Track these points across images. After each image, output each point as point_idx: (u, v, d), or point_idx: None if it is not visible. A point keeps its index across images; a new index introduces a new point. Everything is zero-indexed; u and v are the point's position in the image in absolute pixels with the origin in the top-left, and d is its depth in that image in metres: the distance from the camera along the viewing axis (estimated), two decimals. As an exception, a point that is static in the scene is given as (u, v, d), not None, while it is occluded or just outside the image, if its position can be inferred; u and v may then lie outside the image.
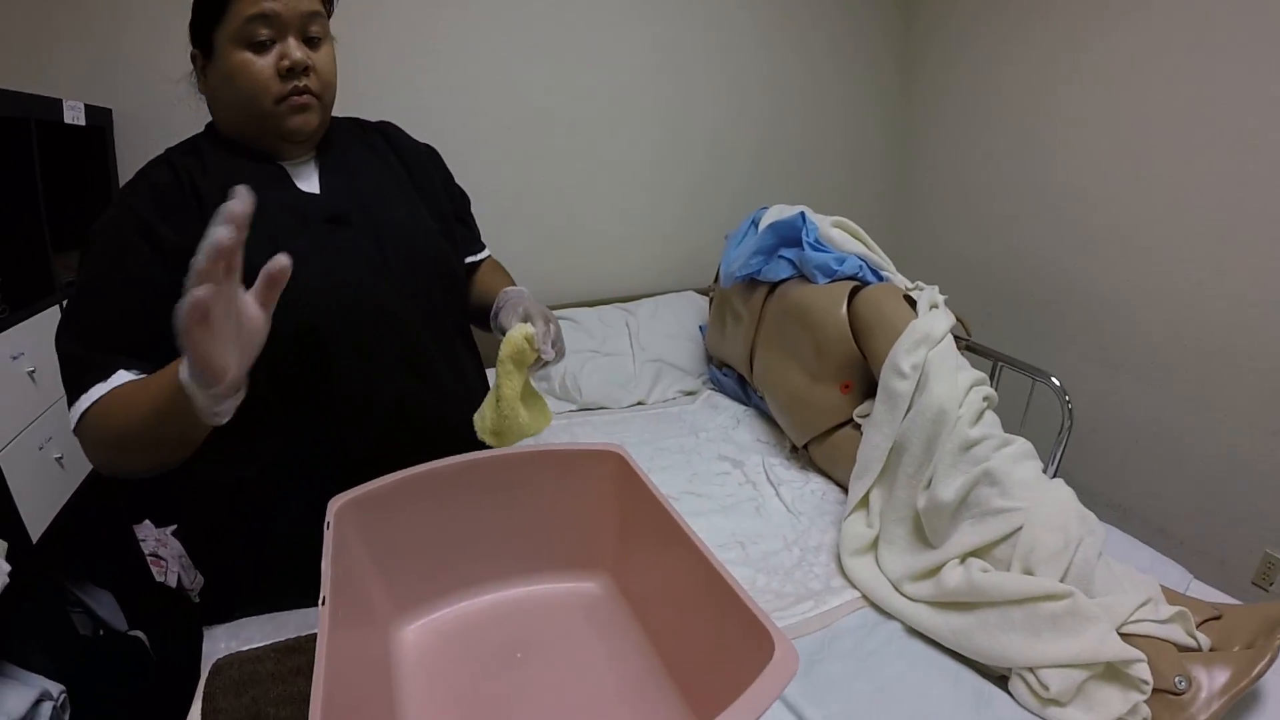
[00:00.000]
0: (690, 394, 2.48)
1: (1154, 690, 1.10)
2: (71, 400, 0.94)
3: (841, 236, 1.92)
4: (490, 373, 1.05)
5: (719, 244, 2.50)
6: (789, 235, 2.00)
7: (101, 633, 1.75)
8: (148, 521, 2.04)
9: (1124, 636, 1.15)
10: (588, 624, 0.92)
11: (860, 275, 1.84)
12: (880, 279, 1.85)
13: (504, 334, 1.03)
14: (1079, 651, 1.11)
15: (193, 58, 1.07)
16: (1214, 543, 2.22)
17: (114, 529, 1.88)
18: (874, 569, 1.44)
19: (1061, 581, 1.21)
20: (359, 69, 2.09)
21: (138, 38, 1.99)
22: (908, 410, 1.52)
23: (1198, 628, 1.22)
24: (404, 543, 0.90)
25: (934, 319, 1.60)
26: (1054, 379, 1.84)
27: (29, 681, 1.42)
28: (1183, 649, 1.18)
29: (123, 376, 0.93)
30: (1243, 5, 1.95)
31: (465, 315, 1.32)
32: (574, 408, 2.38)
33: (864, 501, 1.56)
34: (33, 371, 1.49)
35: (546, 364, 1.03)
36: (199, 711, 0.90)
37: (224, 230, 0.64)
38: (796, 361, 1.90)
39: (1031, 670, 1.13)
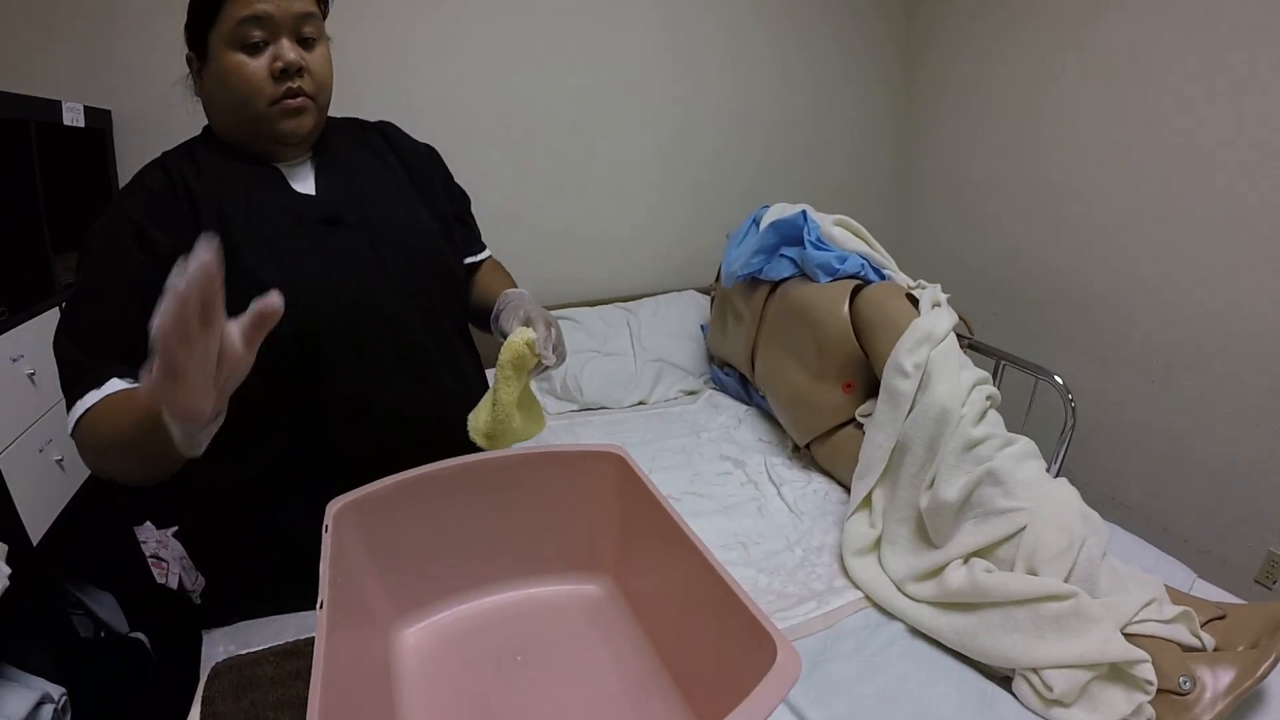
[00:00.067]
0: (692, 394, 2.48)
1: (1158, 691, 1.10)
2: (69, 405, 0.95)
3: (843, 235, 1.92)
4: (490, 373, 1.05)
5: (720, 243, 2.50)
6: (790, 234, 1.99)
7: (102, 634, 1.75)
8: (149, 523, 2.03)
9: (1128, 637, 1.15)
10: (588, 626, 0.91)
11: (862, 274, 1.84)
12: (882, 278, 1.85)
13: (504, 337, 1.03)
14: (1083, 652, 1.10)
15: (188, 60, 1.07)
16: (1217, 541, 2.21)
17: (114, 531, 1.88)
18: (877, 569, 1.44)
19: (1065, 582, 1.21)
20: (356, 68, 2.09)
21: (137, 39, 1.99)
22: (910, 409, 1.52)
23: (1202, 627, 1.21)
24: (404, 545, 0.90)
25: (936, 317, 1.59)
26: (1057, 377, 1.83)
27: (30, 684, 1.42)
28: (1187, 649, 1.17)
29: (116, 385, 0.93)
30: None
31: (465, 316, 1.32)
32: (575, 408, 2.37)
33: (866, 501, 1.56)
34: (33, 374, 1.49)
35: (547, 368, 1.02)
36: (198, 715, 0.90)
37: (182, 286, 0.60)
38: (798, 361, 1.90)
39: (1035, 671, 1.13)
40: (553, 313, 2.48)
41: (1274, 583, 2.08)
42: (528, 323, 1.06)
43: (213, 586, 1.26)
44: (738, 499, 1.76)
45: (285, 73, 1.01)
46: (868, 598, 1.39)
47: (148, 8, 1.98)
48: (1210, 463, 2.20)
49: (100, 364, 0.95)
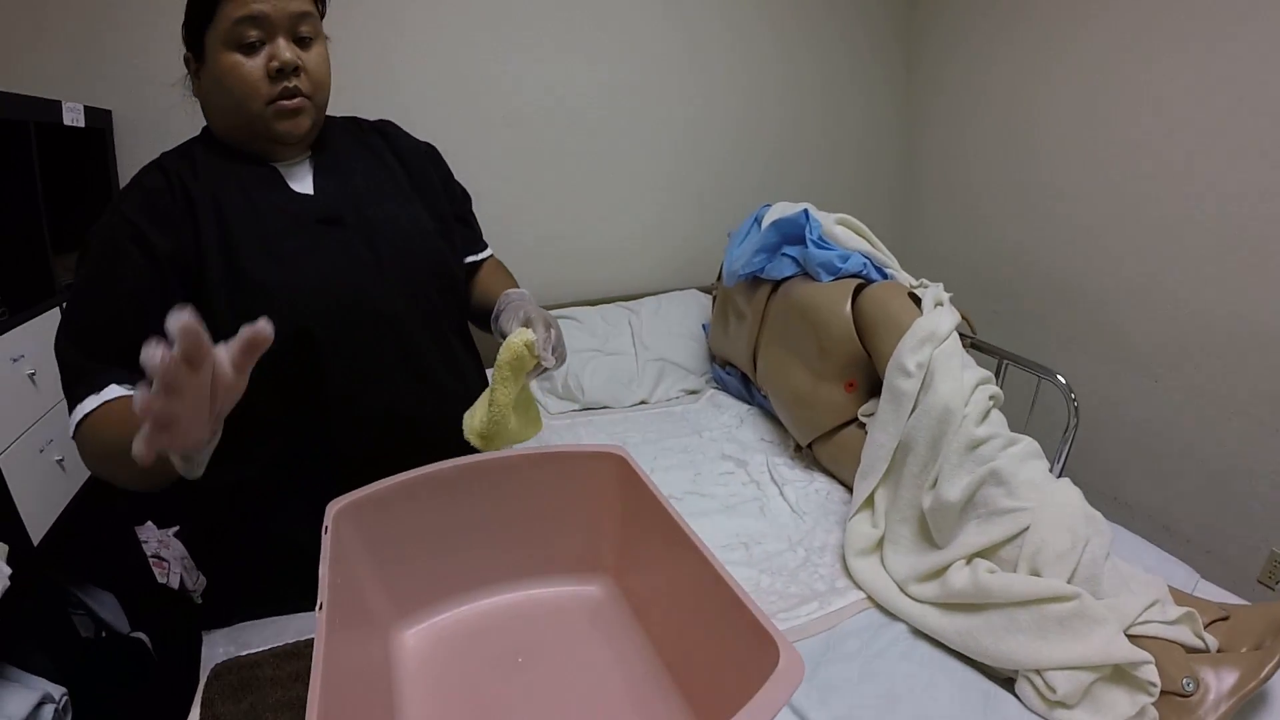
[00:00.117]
0: (693, 393, 2.47)
1: (1162, 692, 1.09)
2: (69, 407, 0.96)
3: (845, 234, 1.92)
4: (490, 373, 1.04)
5: (722, 242, 2.49)
6: (792, 233, 1.99)
7: (104, 634, 1.75)
8: (150, 523, 2.03)
9: (1131, 638, 1.14)
10: (589, 627, 0.91)
11: (864, 273, 1.83)
12: (885, 277, 1.84)
13: (504, 338, 1.02)
14: (1086, 653, 1.10)
15: (185, 61, 1.07)
16: (1219, 541, 2.21)
17: (115, 530, 1.87)
18: (879, 570, 1.43)
19: (1069, 582, 1.20)
20: (355, 67, 2.09)
21: (137, 39, 1.99)
22: (913, 409, 1.51)
23: (1205, 629, 1.21)
24: (404, 546, 0.90)
25: (939, 317, 1.59)
26: (1060, 377, 1.83)
27: (30, 684, 1.42)
28: (1190, 650, 1.17)
29: (114, 391, 0.94)
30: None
31: (464, 315, 1.32)
32: (576, 407, 2.37)
33: (869, 501, 1.55)
34: (33, 374, 1.49)
35: (546, 370, 1.02)
36: (197, 716, 0.90)
37: (160, 353, 0.58)
38: (800, 360, 1.89)
39: (1038, 672, 1.12)
40: (554, 312, 2.50)
41: (1277, 583, 2.08)
42: (527, 323, 1.05)
43: (214, 586, 1.26)
44: (740, 499, 1.76)
45: (281, 72, 1.01)
46: (870, 598, 1.39)
47: (149, 7, 1.98)
48: (1213, 462, 2.19)
49: (99, 368, 0.95)
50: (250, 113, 1.03)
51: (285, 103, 1.03)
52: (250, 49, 1.00)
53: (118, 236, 0.98)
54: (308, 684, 0.59)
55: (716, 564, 0.74)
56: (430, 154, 1.32)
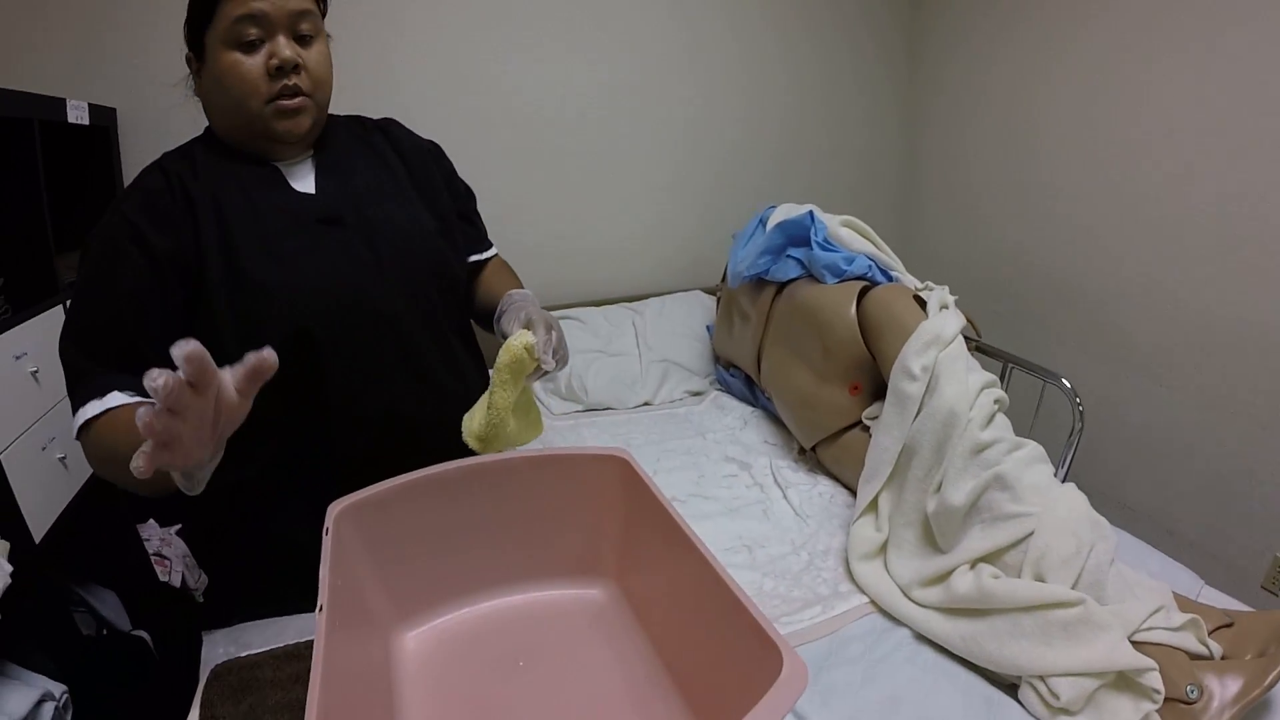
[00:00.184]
0: (697, 394, 2.46)
1: (1165, 699, 1.08)
2: (72, 409, 0.96)
3: (850, 236, 1.91)
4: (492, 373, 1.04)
5: (725, 242, 2.49)
6: (797, 234, 1.98)
7: (105, 632, 1.75)
8: (152, 521, 2.04)
9: (1136, 644, 1.13)
10: (591, 631, 0.91)
11: (869, 275, 1.83)
12: (890, 279, 1.83)
13: (506, 339, 1.02)
14: (1091, 660, 1.09)
15: (187, 60, 1.07)
16: (1223, 546, 2.20)
17: (117, 528, 1.87)
18: (883, 574, 1.43)
19: (1073, 588, 1.20)
20: (357, 66, 2.09)
21: (142, 36, 1.99)
22: (918, 413, 1.50)
23: (1209, 635, 1.20)
24: (405, 548, 0.89)
25: (944, 320, 1.58)
26: (1065, 381, 1.82)
27: (31, 682, 1.42)
28: (1194, 657, 1.16)
29: (116, 398, 0.94)
30: None
31: (465, 315, 1.31)
32: (580, 408, 2.37)
33: (873, 505, 1.55)
34: (35, 372, 1.49)
35: (546, 373, 1.01)
36: (197, 718, 0.90)
37: (163, 380, 0.58)
38: (804, 362, 1.89)
39: (1042, 678, 1.12)
40: (557, 312, 2.50)
41: (1281, 588, 2.07)
42: (528, 325, 1.05)
43: (215, 585, 1.27)
44: (743, 501, 1.75)
45: (281, 70, 1.01)
46: (873, 603, 1.38)
47: (153, 5, 1.98)
48: (1215, 464, 2.18)
49: (101, 372, 0.96)
50: (250, 111, 1.03)
51: (285, 102, 1.03)
52: (250, 47, 1.00)
53: (117, 237, 0.99)
54: (308, 686, 0.59)
55: (719, 568, 0.73)
56: (434, 152, 1.32)
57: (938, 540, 1.40)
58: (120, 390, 0.95)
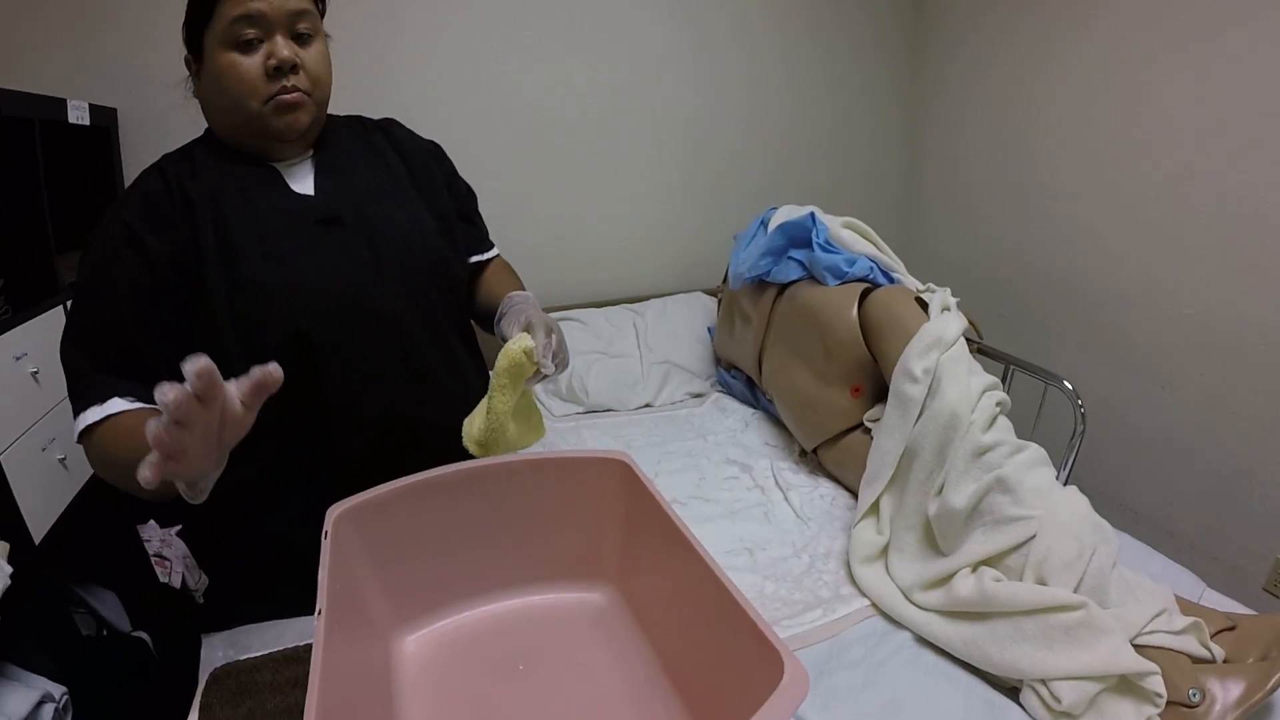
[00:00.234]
0: (698, 396, 2.46)
1: (1167, 703, 1.08)
2: (74, 413, 0.97)
3: (851, 237, 1.90)
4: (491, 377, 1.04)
5: (727, 244, 2.48)
6: (798, 236, 1.98)
7: (105, 633, 1.75)
8: (152, 522, 2.03)
9: (1138, 648, 1.13)
10: (591, 635, 0.90)
11: (871, 277, 1.82)
12: (891, 281, 1.83)
13: (506, 343, 1.01)
14: (1092, 664, 1.09)
15: (186, 62, 1.07)
16: (1224, 547, 2.19)
17: (117, 529, 1.87)
18: (884, 577, 1.42)
19: (1075, 591, 1.19)
20: (357, 66, 2.09)
21: (142, 37, 1.99)
22: (919, 415, 1.50)
23: (1211, 639, 1.20)
24: (405, 551, 0.89)
25: (946, 322, 1.58)
26: (1066, 383, 1.82)
27: (31, 683, 1.42)
28: (1197, 660, 1.16)
29: (117, 404, 0.95)
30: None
31: (466, 315, 1.31)
32: (580, 410, 2.36)
33: (874, 508, 1.54)
34: (36, 372, 1.48)
35: (546, 377, 1.01)
36: (196, 721, 0.90)
37: (175, 394, 0.60)
38: (806, 364, 1.88)
39: (1044, 682, 1.11)
40: (558, 314, 2.50)
41: (1284, 591, 2.07)
42: (528, 328, 1.04)
43: (215, 586, 1.26)
44: (744, 504, 1.75)
45: (279, 70, 1.01)
46: (874, 606, 1.38)
47: (154, 5, 1.98)
48: (1216, 465, 2.18)
49: (102, 377, 0.96)
50: (249, 111, 1.03)
51: (284, 97, 1.02)
52: (248, 47, 1.00)
53: (116, 241, 0.99)
54: (306, 690, 0.59)
55: (721, 574, 0.73)
56: (434, 152, 1.32)
57: (939, 543, 1.40)
58: (121, 396, 0.95)
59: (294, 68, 1.02)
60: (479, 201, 1.41)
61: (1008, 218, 2.75)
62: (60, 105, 1.65)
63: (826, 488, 1.80)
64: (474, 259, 1.36)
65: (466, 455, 0.99)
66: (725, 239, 2.57)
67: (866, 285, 1.80)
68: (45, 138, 1.55)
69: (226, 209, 1.03)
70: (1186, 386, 2.23)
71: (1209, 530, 2.23)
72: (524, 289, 1.29)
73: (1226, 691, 1.08)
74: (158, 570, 1.92)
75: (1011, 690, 1.17)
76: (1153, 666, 1.09)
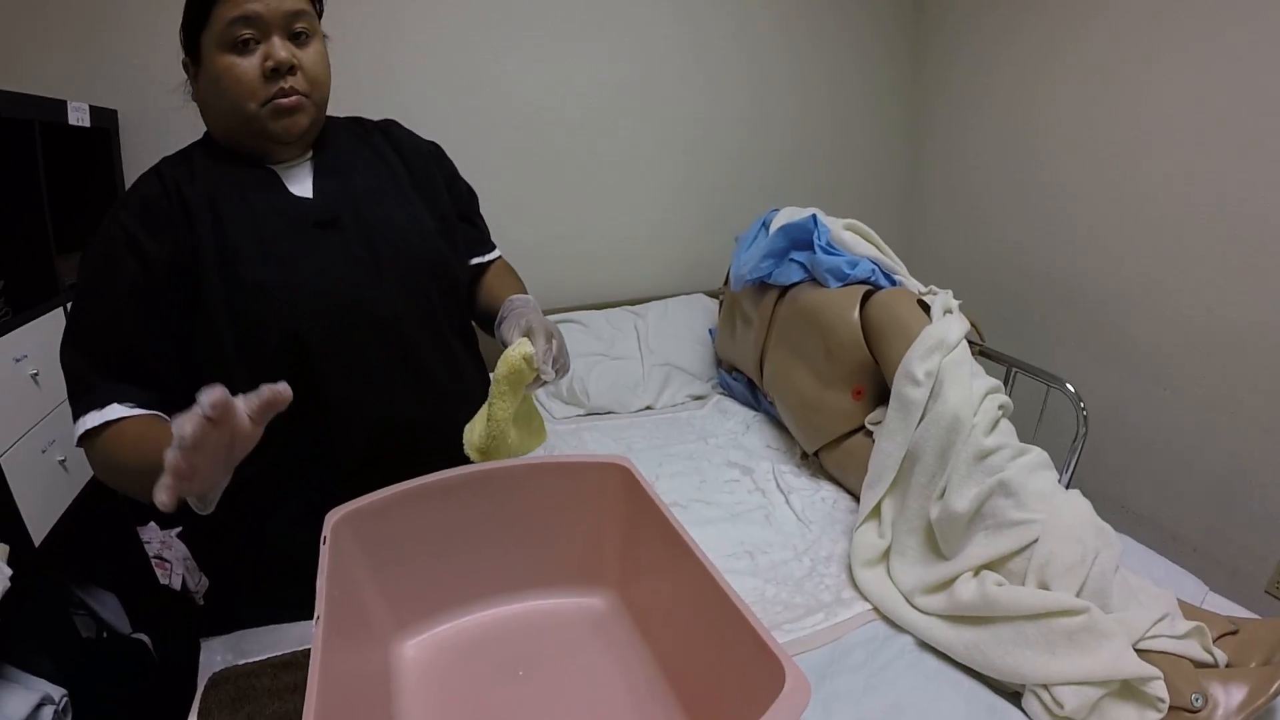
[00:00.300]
0: (699, 399, 2.45)
1: (1170, 708, 1.08)
2: (73, 416, 0.97)
3: (853, 239, 1.90)
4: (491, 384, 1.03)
5: (729, 246, 2.48)
6: (800, 238, 1.97)
7: (105, 635, 1.75)
8: (152, 524, 2.03)
9: (1140, 653, 1.13)
10: (591, 641, 0.90)
11: (873, 279, 1.82)
12: (893, 283, 1.83)
13: (506, 346, 1.01)
14: (1095, 668, 1.09)
15: (184, 66, 1.07)
16: (1227, 550, 2.19)
17: (117, 531, 1.87)
18: (886, 581, 1.42)
19: (1078, 595, 1.19)
20: (356, 67, 2.09)
21: (142, 38, 1.99)
22: (921, 418, 1.50)
23: (1214, 643, 1.19)
24: (404, 556, 0.89)
25: (948, 324, 1.57)
26: (1069, 385, 1.81)
27: (30, 685, 1.42)
28: (1199, 665, 1.15)
29: (116, 410, 0.96)
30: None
31: (466, 316, 1.31)
32: (581, 412, 2.36)
33: (876, 511, 1.54)
34: (36, 374, 1.48)
35: (546, 383, 1.01)
36: (195, 726, 0.89)
37: (190, 428, 0.63)
38: (807, 366, 1.88)
39: (1046, 687, 1.11)
40: (558, 316, 2.50)
41: (1286, 594, 2.06)
42: (528, 333, 1.04)
43: (215, 588, 1.26)
44: (745, 506, 1.74)
45: (276, 71, 1.01)
46: (876, 610, 1.37)
47: (154, 6, 1.97)
48: (1219, 469, 2.17)
49: (102, 381, 0.97)
50: (247, 113, 1.03)
51: (282, 100, 1.02)
52: (245, 49, 1.00)
53: (114, 243, 0.99)
54: (305, 696, 0.59)
55: (721, 580, 0.73)
56: (434, 153, 1.32)
57: (941, 547, 1.40)
58: (120, 402, 0.96)
59: (291, 69, 1.02)
60: (481, 201, 1.40)
61: (1008, 218, 2.75)
62: (60, 107, 1.65)
63: (828, 491, 1.80)
64: (475, 260, 1.36)
65: (466, 457, 0.99)
66: (726, 240, 2.57)
67: (868, 287, 1.79)
68: (45, 139, 1.55)
69: (225, 212, 1.02)
70: (1187, 387, 2.23)
71: (1210, 531, 2.22)
72: (525, 291, 1.28)
73: (1229, 696, 1.08)
74: (158, 572, 1.92)
75: (1014, 695, 1.17)
76: (1155, 671, 1.09)
